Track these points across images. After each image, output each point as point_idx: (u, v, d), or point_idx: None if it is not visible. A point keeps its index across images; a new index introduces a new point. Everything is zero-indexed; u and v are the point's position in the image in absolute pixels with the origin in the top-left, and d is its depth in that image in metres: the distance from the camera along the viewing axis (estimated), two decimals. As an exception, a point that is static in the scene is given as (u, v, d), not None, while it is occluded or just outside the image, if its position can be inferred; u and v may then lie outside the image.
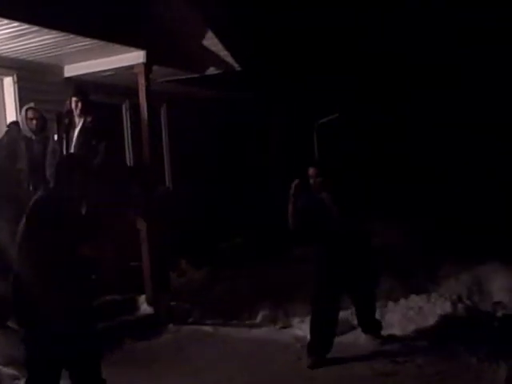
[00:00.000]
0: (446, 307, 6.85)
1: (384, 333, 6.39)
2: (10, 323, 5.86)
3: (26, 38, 6.99)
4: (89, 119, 7.12)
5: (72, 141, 7.11)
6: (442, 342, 6.06)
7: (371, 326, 6.35)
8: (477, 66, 17.06)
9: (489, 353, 5.58)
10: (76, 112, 7.13)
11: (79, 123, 7.14)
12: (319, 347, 5.76)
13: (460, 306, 6.94)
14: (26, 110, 7.15)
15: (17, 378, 5.01)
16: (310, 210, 5.71)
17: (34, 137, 7.09)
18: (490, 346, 5.79)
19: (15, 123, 7.30)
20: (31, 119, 7.11)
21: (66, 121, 7.18)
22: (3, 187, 6.85)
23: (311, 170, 5.73)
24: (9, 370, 5.10)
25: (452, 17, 17.09)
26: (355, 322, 6.56)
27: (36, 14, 6.43)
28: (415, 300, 7.19)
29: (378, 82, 17.09)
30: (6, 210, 6.56)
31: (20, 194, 6.72)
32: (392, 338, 6.29)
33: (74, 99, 7.15)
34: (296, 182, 5.68)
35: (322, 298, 5.76)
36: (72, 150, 7.06)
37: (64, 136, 7.13)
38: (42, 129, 7.18)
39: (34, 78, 8.06)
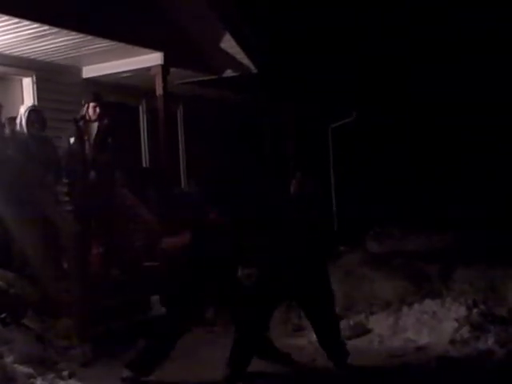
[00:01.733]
0: (460, 312, 6.79)
1: (398, 337, 6.37)
2: (25, 321, 5.90)
3: (45, 39, 7.09)
4: (105, 121, 7.19)
5: (90, 143, 7.16)
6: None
7: (336, 350, 5.55)
8: (478, 65, 17.04)
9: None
10: (94, 116, 7.17)
11: (96, 126, 7.19)
12: (242, 362, 5.38)
13: (475, 310, 6.88)
14: (29, 112, 6.76)
15: (32, 377, 5.00)
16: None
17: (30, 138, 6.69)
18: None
19: (11, 120, 6.85)
20: (33, 122, 6.73)
21: (81, 123, 7.20)
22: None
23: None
24: (24, 369, 5.06)
25: (453, 17, 17.10)
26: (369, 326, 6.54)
27: (56, 15, 6.52)
28: (430, 304, 7.13)
29: (395, 84, 17.12)
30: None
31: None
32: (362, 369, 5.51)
33: (91, 105, 7.18)
34: (298, 176, 5.73)
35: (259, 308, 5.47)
36: (90, 152, 7.10)
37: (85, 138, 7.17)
38: (42, 129, 6.87)
39: (52, 79, 8.16)
